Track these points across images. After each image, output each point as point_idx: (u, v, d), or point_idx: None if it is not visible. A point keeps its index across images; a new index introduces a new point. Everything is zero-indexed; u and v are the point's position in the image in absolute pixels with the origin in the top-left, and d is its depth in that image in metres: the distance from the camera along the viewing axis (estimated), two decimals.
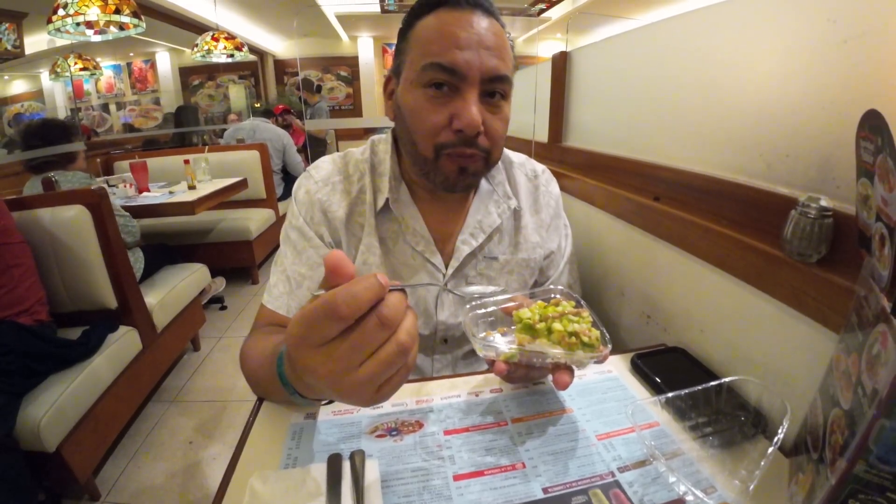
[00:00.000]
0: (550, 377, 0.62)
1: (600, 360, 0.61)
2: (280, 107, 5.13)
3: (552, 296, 0.71)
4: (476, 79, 0.70)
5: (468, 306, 0.70)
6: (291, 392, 0.54)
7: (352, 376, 0.39)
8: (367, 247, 0.85)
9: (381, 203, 0.84)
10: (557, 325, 0.60)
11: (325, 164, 0.90)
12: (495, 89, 0.73)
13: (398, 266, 0.87)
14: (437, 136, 0.73)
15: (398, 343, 0.39)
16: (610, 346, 0.61)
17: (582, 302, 0.68)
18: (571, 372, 0.61)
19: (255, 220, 3.46)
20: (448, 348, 0.94)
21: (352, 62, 8.77)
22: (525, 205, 0.95)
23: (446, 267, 0.88)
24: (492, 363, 0.63)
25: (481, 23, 0.72)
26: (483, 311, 0.70)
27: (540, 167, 1.01)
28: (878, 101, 0.50)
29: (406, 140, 0.79)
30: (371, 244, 0.85)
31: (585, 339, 0.59)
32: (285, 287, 0.83)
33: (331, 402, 0.66)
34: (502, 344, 0.64)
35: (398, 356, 0.40)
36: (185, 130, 6.02)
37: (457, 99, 0.71)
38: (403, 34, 0.78)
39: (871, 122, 0.47)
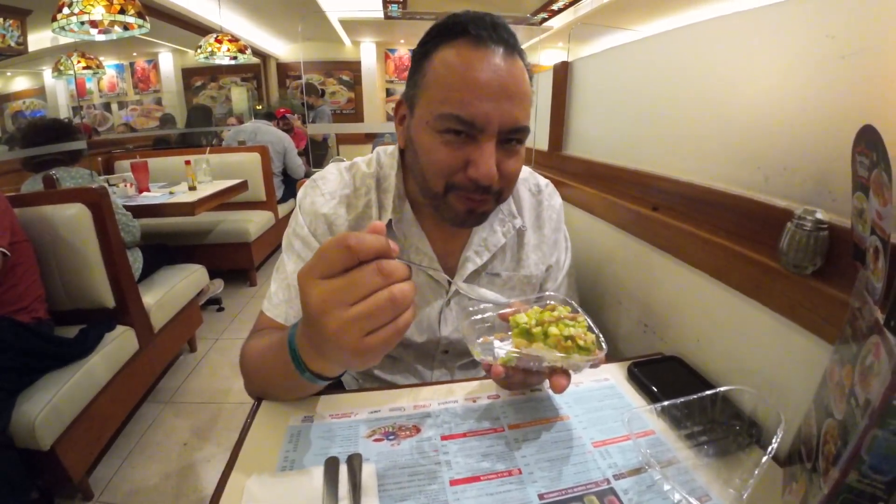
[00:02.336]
0: (547, 382, 0.62)
1: (596, 364, 0.61)
2: (282, 110, 5.14)
3: (548, 302, 0.71)
4: (494, 130, 0.68)
5: (469, 309, 0.71)
6: (300, 366, 0.57)
7: (342, 312, 0.44)
8: None
9: (384, 222, 0.83)
10: (553, 330, 0.61)
11: (332, 176, 0.88)
12: (513, 140, 0.72)
13: None
14: (450, 176, 0.72)
15: (390, 293, 0.44)
16: (605, 350, 0.61)
17: (577, 307, 0.69)
18: (568, 376, 0.62)
19: (254, 223, 3.46)
20: (448, 358, 0.94)
21: (354, 67, 8.79)
22: (528, 222, 0.94)
23: (450, 284, 0.88)
24: (489, 368, 0.63)
25: (504, 65, 0.68)
26: (480, 316, 0.71)
27: (543, 181, 1.00)
28: (874, 117, 0.51)
29: (417, 172, 0.78)
30: None
31: (581, 342, 0.60)
32: (285, 295, 0.83)
33: (336, 379, 0.65)
34: (499, 348, 0.65)
35: (388, 304, 0.44)
36: (186, 131, 6.02)
37: (473, 147, 0.69)
38: (420, 61, 0.74)
39: (867, 138, 0.47)
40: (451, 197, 0.73)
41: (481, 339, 0.68)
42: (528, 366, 0.62)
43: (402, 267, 0.46)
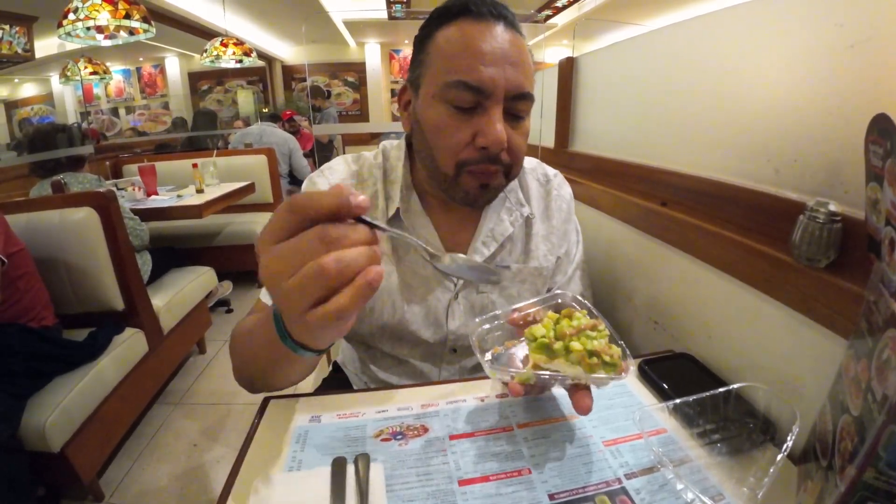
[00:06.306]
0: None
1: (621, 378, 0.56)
2: (288, 112, 5.16)
3: (557, 301, 0.68)
4: (501, 96, 0.69)
5: (476, 320, 0.67)
6: (281, 332, 0.51)
7: (282, 286, 0.39)
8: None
9: (391, 212, 0.83)
10: (576, 345, 0.55)
11: (339, 167, 0.89)
12: (519, 108, 0.72)
13: (409, 275, 0.86)
14: (460, 153, 0.72)
15: (318, 262, 0.38)
16: (632, 363, 0.56)
17: (594, 310, 0.64)
18: (591, 393, 0.57)
19: (261, 224, 3.47)
20: (457, 358, 0.92)
21: (359, 68, 8.84)
22: (537, 211, 0.93)
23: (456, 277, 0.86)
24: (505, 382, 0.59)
25: (505, 36, 0.70)
26: (488, 326, 0.67)
27: (552, 171, 0.99)
28: (886, 105, 0.50)
29: (425, 154, 0.77)
30: (382, 252, 0.83)
31: (607, 358, 0.54)
32: None
33: (324, 351, 0.57)
34: (515, 365, 0.60)
35: (316, 276, 0.38)
36: (194, 134, 6.07)
37: (481, 116, 0.70)
38: (422, 43, 0.76)
39: (881, 126, 0.46)
40: (462, 175, 0.73)
41: (491, 351, 0.63)
42: (548, 383, 0.58)
43: (353, 232, 0.40)
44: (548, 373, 0.56)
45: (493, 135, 0.69)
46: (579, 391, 0.57)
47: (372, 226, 0.42)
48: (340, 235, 0.39)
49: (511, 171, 0.77)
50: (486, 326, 0.66)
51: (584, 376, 0.55)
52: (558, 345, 0.56)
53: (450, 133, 0.71)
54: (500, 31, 0.70)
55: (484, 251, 0.87)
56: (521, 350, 0.62)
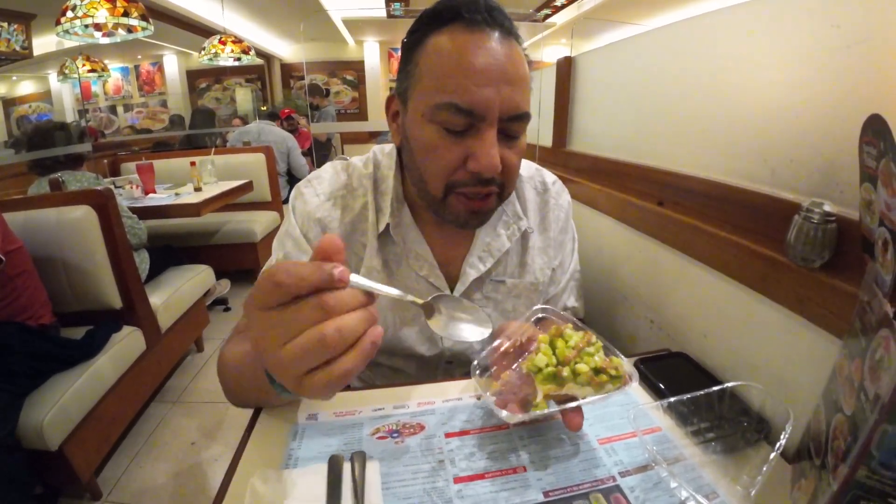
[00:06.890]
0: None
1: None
2: (286, 110, 5.16)
3: (539, 315, 0.68)
4: (495, 118, 0.65)
5: (474, 364, 0.64)
6: (275, 383, 0.51)
7: (277, 352, 0.39)
8: (368, 270, 0.82)
9: (382, 225, 0.80)
10: (582, 367, 0.56)
11: (327, 176, 0.85)
12: (514, 129, 0.68)
13: (401, 290, 0.84)
14: (450, 175, 0.68)
15: (320, 332, 0.38)
16: (634, 373, 0.57)
17: (576, 321, 0.64)
18: (581, 410, 0.59)
19: (259, 223, 3.47)
20: (452, 368, 0.91)
21: (357, 66, 8.83)
22: (534, 223, 0.90)
23: (451, 291, 0.84)
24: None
25: (501, 49, 0.64)
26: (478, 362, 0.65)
27: (550, 178, 0.95)
28: (881, 107, 0.50)
29: (414, 172, 0.74)
30: (373, 267, 0.82)
31: (613, 371, 0.56)
32: None
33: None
34: (515, 395, 0.59)
35: (318, 345, 0.38)
36: (192, 132, 6.07)
37: (473, 138, 0.66)
38: (410, 52, 0.70)
39: (874, 127, 0.47)
40: (451, 199, 0.70)
41: (492, 389, 0.61)
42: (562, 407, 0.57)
43: (350, 298, 0.40)
44: (560, 407, 0.57)
45: (486, 160, 0.65)
46: (571, 409, 0.57)
47: (365, 287, 0.42)
48: (338, 304, 0.39)
49: (504, 191, 0.73)
50: (483, 355, 0.65)
51: (596, 397, 0.56)
52: (566, 371, 0.56)
53: (440, 155, 0.67)
54: (495, 43, 0.64)
55: (480, 266, 0.84)
56: (515, 376, 0.61)
